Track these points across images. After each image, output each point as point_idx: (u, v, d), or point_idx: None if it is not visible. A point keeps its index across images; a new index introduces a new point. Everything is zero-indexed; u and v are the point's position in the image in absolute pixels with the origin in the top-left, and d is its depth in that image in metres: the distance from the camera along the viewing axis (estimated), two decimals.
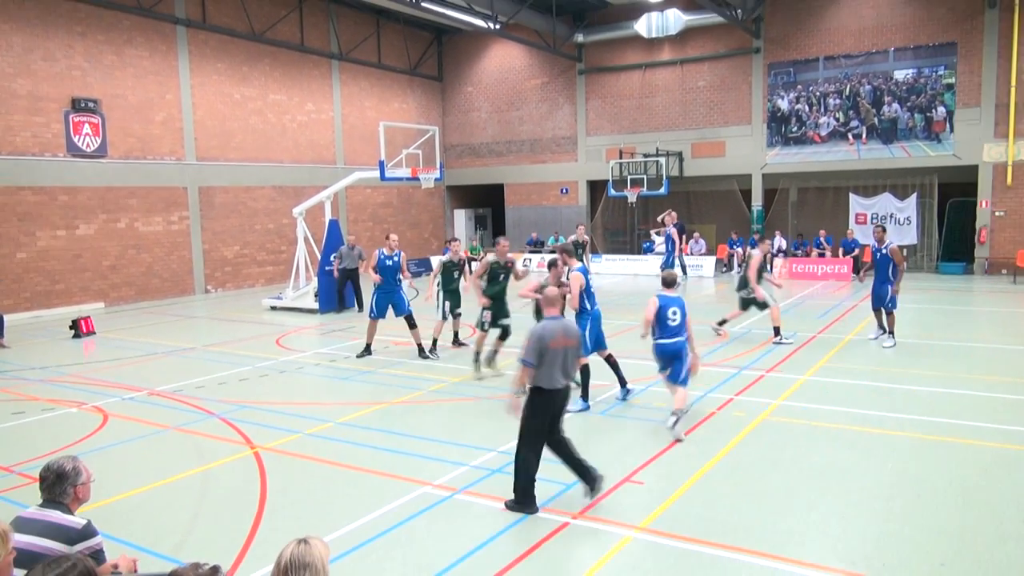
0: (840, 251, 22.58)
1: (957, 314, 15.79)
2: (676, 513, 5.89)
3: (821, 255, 22.91)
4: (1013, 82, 20.46)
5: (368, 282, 12.86)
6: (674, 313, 8.15)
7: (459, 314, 12.42)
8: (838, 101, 22.94)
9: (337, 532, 5.63)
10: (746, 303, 12.76)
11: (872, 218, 22.45)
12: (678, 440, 7.56)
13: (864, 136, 22.69)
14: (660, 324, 8.19)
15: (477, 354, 10.56)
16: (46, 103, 17.77)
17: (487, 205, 31.71)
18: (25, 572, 3.11)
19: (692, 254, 23.96)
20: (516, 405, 5.98)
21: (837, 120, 23.05)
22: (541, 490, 6.32)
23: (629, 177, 24.00)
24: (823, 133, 23.27)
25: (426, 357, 11.85)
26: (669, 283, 8.41)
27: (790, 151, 23.81)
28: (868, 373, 10.29)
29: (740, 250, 24.28)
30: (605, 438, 7.81)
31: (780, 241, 23.88)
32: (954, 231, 22.84)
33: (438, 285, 12.20)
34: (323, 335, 14.70)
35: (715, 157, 25.05)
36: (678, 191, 25.46)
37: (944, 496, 6.09)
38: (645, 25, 24.44)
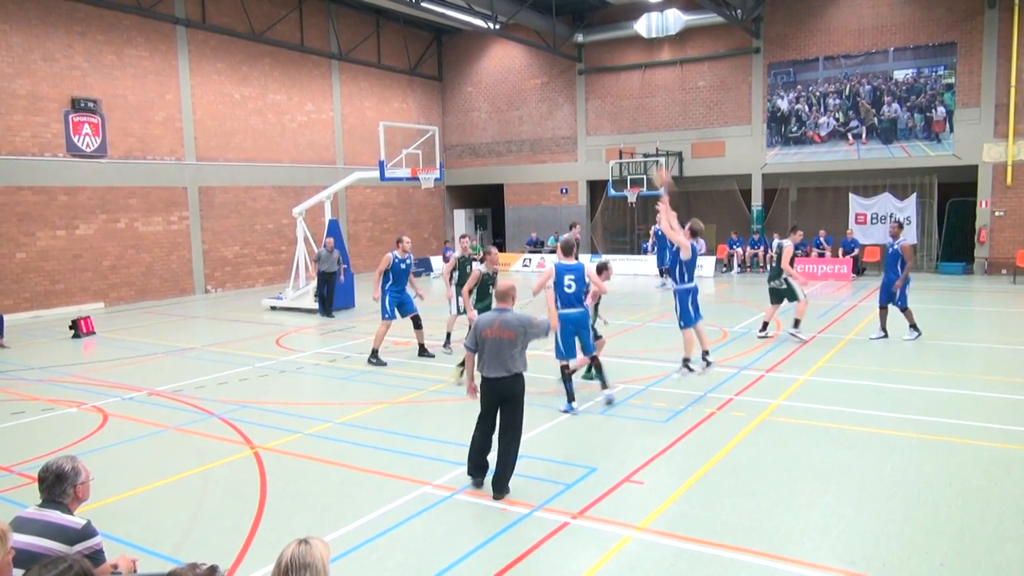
0: (840, 251, 22.59)
1: (957, 314, 15.79)
2: (676, 513, 5.89)
3: (821, 255, 22.91)
4: (1013, 82, 20.46)
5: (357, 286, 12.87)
6: (570, 280, 8.27)
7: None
8: (838, 101, 22.95)
9: (337, 532, 5.63)
10: (778, 295, 12.78)
11: (872, 218, 22.48)
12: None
13: (864, 136, 22.70)
14: (558, 293, 8.37)
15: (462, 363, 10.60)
16: (46, 103, 17.77)
17: (487, 205, 31.73)
18: (23, 572, 3.11)
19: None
20: (472, 388, 6.65)
21: (837, 120, 23.06)
22: (541, 490, 6.33)
23: (629, 177, 24.00)
24: (823, 133, 23.28)
25: (429, 356, 11.88)
26: (566, 250, 8.63)
27: (790, 151, 23.81)
28: (868, 373, 10.29)
29: (740, 250, 24.31)
30: (605, 438, 7.80)
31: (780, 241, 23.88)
32: (954, 231, 22.85)
33: (454, 282, 12.34)
34: (323, 335, 14.70)
35: (715, 157, 25.05)
36: (678, 191, 25.43)
37: (944, 496, 6.08)
38: (645, 25, 24.44)
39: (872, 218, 22.55)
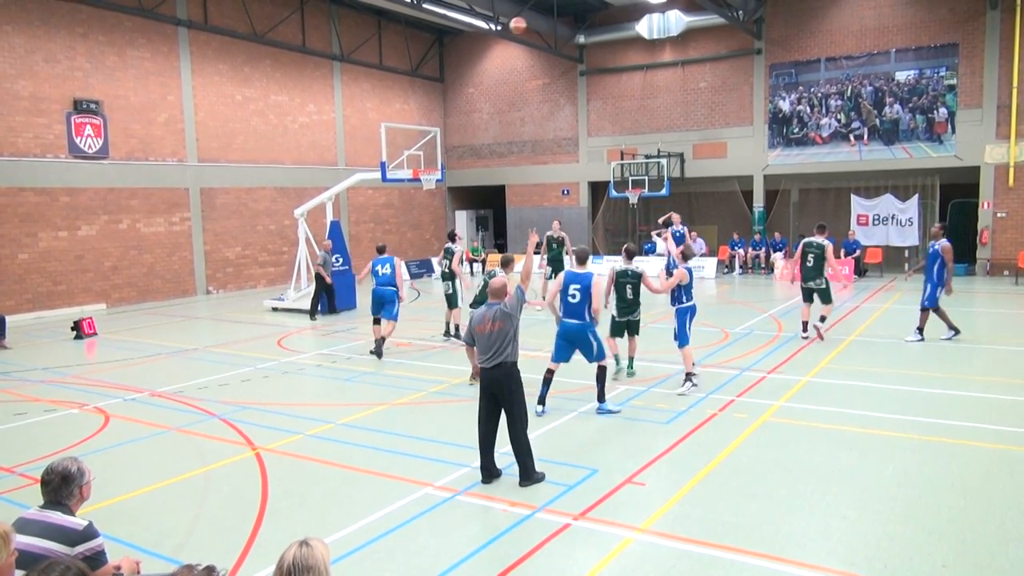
0: (842, 252, 22.55)
1: (958, 315, 15.69)
2: (677, 514, 5.89)
3: None
4: (1015, 83, 20.44)
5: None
6: (575, 291, 8.23)
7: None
8: (839, 102, 22.93)
9: (338, 533, 5.63)
10: (808, 294, 12.81)
11: (874, 219, 22.43)
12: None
13: (866, 137, 22.68)
14: (562, 301, 8.36)
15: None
16: (48, 104, 17.80)
17: (488, 206, 31.71)
18: (24, 574, 3.12)
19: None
20: (478, 370, 6.81)
21: (838, 121, 23.04)
22: (541, 490, 6.34)
23: (630, 178, 24.00)
24: (824, 134, 23.26)
25: (378, 355, 11.92)
26: (581, 259, 8.68)
27: (791, 152, 23.80)
28: (869, 374, 10.28)
29: (741, 251, 24.28)
30: (606, 439, 7.80)
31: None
32: (956, 232, 22.77)
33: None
34: (324, 336, 14.71)
35: (716, 158, 25.04)
36: (679, 192, 25.46)
37: (946, 497, 6.08)
38: (646, 26, 24.43)
39: (874, 219, 22.51)
